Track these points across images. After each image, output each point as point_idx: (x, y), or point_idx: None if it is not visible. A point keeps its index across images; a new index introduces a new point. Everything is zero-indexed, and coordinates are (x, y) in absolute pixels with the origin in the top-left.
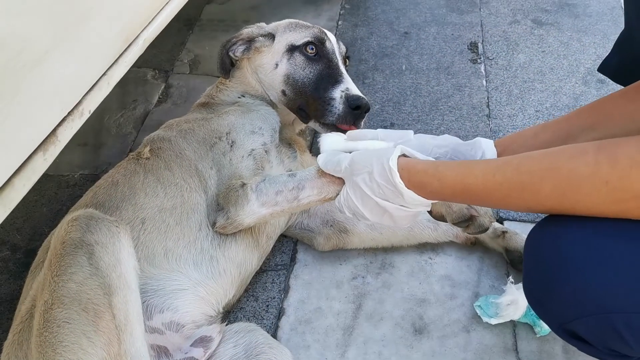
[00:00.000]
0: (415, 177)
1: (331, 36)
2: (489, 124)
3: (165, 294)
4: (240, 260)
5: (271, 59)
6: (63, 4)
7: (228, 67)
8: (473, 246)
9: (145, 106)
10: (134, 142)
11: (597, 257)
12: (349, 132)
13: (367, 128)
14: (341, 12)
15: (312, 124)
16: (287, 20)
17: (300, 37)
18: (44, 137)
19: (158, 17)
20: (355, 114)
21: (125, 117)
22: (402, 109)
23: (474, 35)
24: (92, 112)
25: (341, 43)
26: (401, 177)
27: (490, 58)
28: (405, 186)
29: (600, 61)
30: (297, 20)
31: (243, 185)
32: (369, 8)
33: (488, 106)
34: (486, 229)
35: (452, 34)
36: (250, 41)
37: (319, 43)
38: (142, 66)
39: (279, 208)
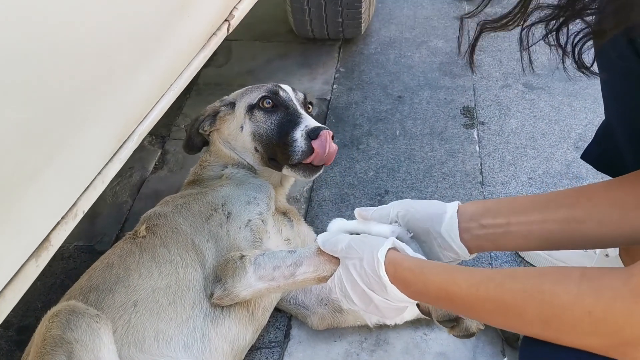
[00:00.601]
0: (400, 274)
1: (286, 87)
2: (483, 192)
3: None
4: (233, 336)
5: (236, 124)
6: (59, 117)
7: (198, 144)
8: None
9: (141, 173)
10: (129, 211)
11: None
12: (358, 212)
13: (362, 195)
14: (336, 76)
15: (285, 171)
16: (243, 88)
17: (255, 96)
18: (37, 245)
19: (153, 111)
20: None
21: (122, 185)
22: (396, 175)
23: (466, 99)
24: (85, 211)
25: (298, 91)
26: (387, 271)
27: (483, 123)
28: (390, 281)
29: (591, 126)
30: (253, 85)
31: (242, 257)
32: (364, 72)
33: (481, 173)
34: (472, 334)
35: (445, 98)
36: (214, 115)
37: (273, 95)
38: None
39: (275, 284)
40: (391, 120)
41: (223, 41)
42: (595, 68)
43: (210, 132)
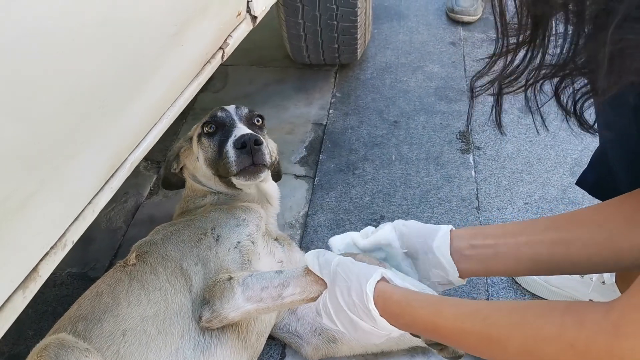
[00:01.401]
0: (389, 307)
1: (229, 107)
2: (479, 217)
3: None
4: None
5: (194, 157)
6: (48, 145)
7: (177, 183)
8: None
9: (136, 199)
10: (123, 237)
11: None
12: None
13: (357, 220)
14: (332, 101)
15: (235, 182)
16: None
17: (201, 124)
18: (25, 276)
19: (146, 140)
20: (245, 151)
21: (116, 210)
22: (392, 200)
23: (462, 124)
24: (75, 241)
25: (244, 107)
26: (376, 304)
27: (479, 148)
28: (380, 314)
29: (587, 150)
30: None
31: (230, 278)
32: (359, 97)
33: (477, 198)
34: (460, 356)
35: (441, 123)
36: (178, 151)
37: (212, 118)
38: None
39: (264, 305)
40: (387, 145)
41: (220, 66)
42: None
43: (181, 170)
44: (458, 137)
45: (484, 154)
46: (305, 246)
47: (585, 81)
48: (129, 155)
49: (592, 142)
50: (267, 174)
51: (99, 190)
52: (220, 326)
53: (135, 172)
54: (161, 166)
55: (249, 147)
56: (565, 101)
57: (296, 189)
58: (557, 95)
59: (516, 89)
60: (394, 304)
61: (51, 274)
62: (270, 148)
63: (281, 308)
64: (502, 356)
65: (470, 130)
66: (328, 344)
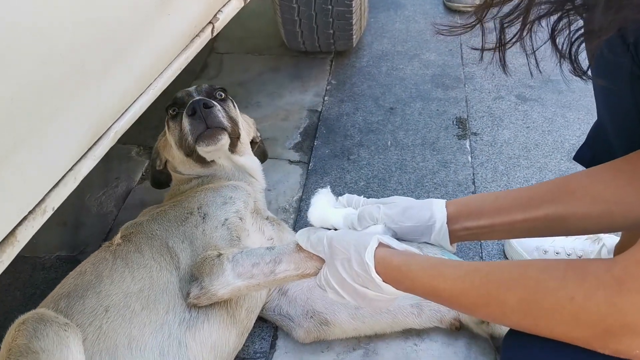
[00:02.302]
0: (390, 273)
1: (190, 87)
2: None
3: None
4: (214, 342)
5: (169, 147)
6: (24, 105)
7: (165, 180)
8: (458, 331)
9: (127, 184)
10: (114, 222)
11: None
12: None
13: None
14: (327, 88)
15: (200, 151)
16: None
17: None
18: (1, 239)
19: (131, 109)
20: (197, 117)
21: (107, 195)
22: (387, 185)
23: (459, 110)
24: (55, 208)
25: (204, 84)
26: (377, 270)
27: (475, 134)
28: (383, 280)
29: (585, 137)
30: None
31: (219, 255)
32: (355, 84)
33: (474, 183)
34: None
35: (438, 110)
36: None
37: (173, 100)
38: (127, 142)
39: (255, 281)
40: (382, 131)
41: (214, 54)
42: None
43: (165, 165)
44: (455, 123)
45: (480, 140)
46: (298, 229)
47: (582, 24)
48: (113, 124)
49: (589, 128)
50: (227, 139)
51: (81, 157)
52: (209, 304)
53: (127, 158)
54: None
55: (200, 112)
56: (561, 44)
57: (290, 174)
58: (553, 37)
59: (515, 38)
60: (394, 270)
61: (40, 257)
62: (242, 121)
63: (274, 284)
64: (499, 312)
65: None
66: (320, 327)
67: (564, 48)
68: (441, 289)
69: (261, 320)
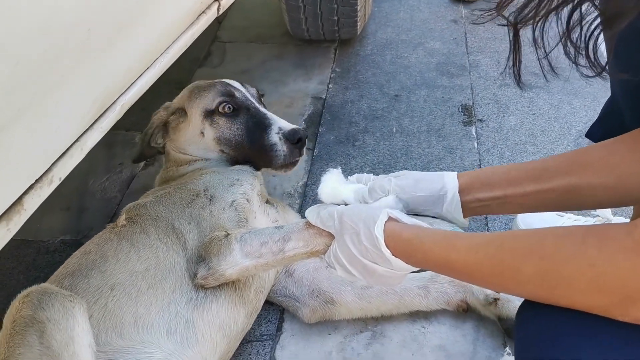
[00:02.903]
0: (400, 247)
1: (236, 84)
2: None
3: None
4: (222, 322)
5: (194, 130)
6: (33, 71)
7: (148, 155)
8: (466, 313)
9: (131, 169)
10: (118, 206)
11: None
12: (356, 177)
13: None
14: (332, 76)
15: (264, 170)
16: (187, 89)
17: (210, 100)
18: (8, 206)
19: (137, 83)
20: (299, 146)
21: (111, 180)
22: (393, 171)
23: (464, 97)
24: (62, 179)
25: (248, 85)
26: (387, 244)
27: (481, 120)
28: (392, 254)
29: (591, 123)
30: (196, 84)
31: (227, 235)
32: (359, 72)
33: (480, 168)
34: None
35: (443, 97)
36: (164, 124)
37: (230, 98)
38: (131, 129)
39: (264, 260)
40: (388, 118)
41: (217, 42)
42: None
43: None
44: (460, 110)
45: (486, 126)
46: (304, 215)
47: (596, 14)
48: (119, 97)
49: (596, 115)
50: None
51: (88, 129)
52: (217, 285)
53: (131, 144)
54: None
55: (302, 142)
56: (575, 41)
57: None
58: (568, 31)
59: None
60: (404, 243)
61: (44, 240)
62: None
63: (283, 263)
64: (514, 282)
65: (516, 69)
66: (325, 306)
67: (580, 44)
68: (454, 260)
69: (268, 303)
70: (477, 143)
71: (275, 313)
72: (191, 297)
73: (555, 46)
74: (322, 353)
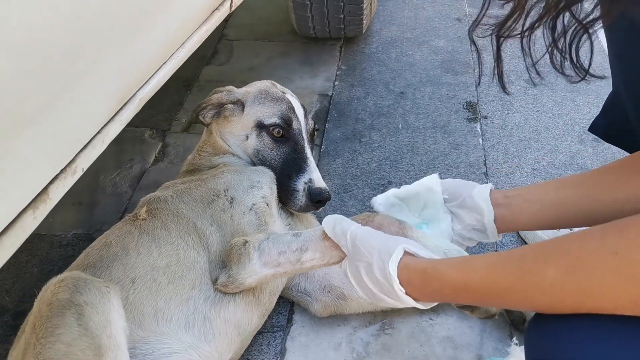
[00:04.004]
0: (415, 277)
1: (300, 112)
2: (487, 182)
3: (154, 359)
4: (237, 320)
5: (241, 130)
6: (59, 64)
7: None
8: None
9: (141, 165)
10: (129, 201)
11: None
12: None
13: (365, 185)
14: (337, 73)
15: (289, 208)
16: (257, 87)
17: (268, 115)
18: (34, 195)
19: (155, 77)
20: (317, 205)
21: (121, 176)
22: (399, 167)
23: (469, 95)
24: (85, 169)
25: (309, 118)
26: (400, 277)
27: (486, 117)
28: (405, 290)
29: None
30: (267, 88)
31: (245, 243)
32: (365, 69)
33: (485, 164)
34: (493, 315)
35: (448, 94)
36: (220, 106)
37: (285, 125)
38: (140, 125)
39: (282, 269)
40: (393, 115)
41: (224, 40)
42: (592, 70)
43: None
44: (465, 107)
45: (491, 123)
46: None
47: (581, 18)
48: (138, 91)
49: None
50: None
51: (109, 121)
52: (237, 291)
53: (140, 140)
54: (166, 134)
55: (321, 204)
56: (561, 47)
57: None
58: (554, 38)
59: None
60: (419, 273)
61: (57, 234)
62: None
63: (300, 272)
64: (539, 289)
65: (480, 87)
66: (337, 301)
67: (565, 49)
68: (472, 281)
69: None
70: (482, 139)
71: (285, 305)
72: (209, 295)
73: (542, 56)
74: (331, 344)
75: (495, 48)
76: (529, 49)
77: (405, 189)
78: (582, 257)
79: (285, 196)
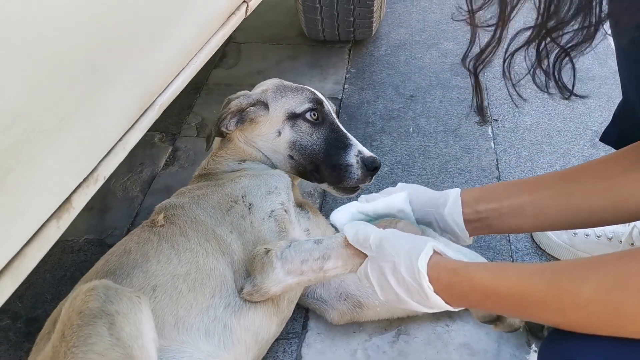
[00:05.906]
0: (444, 276)
1: (321, 96)
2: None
3: None
4: (257, 328)
5: (271, 128)
6: (82, 73)
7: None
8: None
9: (152, 169)
10: (140, 206)
11: None
12: (365, 199)
13: (376, 189)
14: (347, 76)
15: (325, 187)
16: (272, 84)
17: (298, 103)
18: (58, 205)
19: (174, 83)
20: (372, 173)
21: (132, 180)
22: (411, 171)
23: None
24: (106, 177)
25: (330, 101)
26: (430, 274)
27: (497, 120)
28: (434, 289)
29: (607, 123)
30: (281, 82)
31: (267, 251)
32: (374, 72)
33: (497, 168)
34: (517, 328)
35: (458, 97)
36: (240, 112)
37: (319, 107)
38: (150, 129)
39: (306, 277)
40: (404, 118)
41: (233, 43)
42: (577, 90)
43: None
44: (476, 110)
45: (502, 126)
46: (325, 214)
47: (566, 40)
48: (157, 97)
49: (610, 115)
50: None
51: (130, 128)
52: (262, 300)
53: (151, 144)
54: (176, 138)
55: (376, 171)
56: (546, 68)
57: None
58: (539, 60)
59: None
60: (449, 272)
61: (68, 240)
62: None
63: (323, 280)
64: (574, 305)
65: (479, 107)
66: (354, 309)
67: (548, 70)
68: (504, 287)
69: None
70: (494, 143)
71: (300, 311)
72: (229, 303)
73: (524, 77)
74: (347, 351)
75: (473, 78)
76: (509, 72)
77: (371, 205)
78: (623, 279)
79: (337, 175)
